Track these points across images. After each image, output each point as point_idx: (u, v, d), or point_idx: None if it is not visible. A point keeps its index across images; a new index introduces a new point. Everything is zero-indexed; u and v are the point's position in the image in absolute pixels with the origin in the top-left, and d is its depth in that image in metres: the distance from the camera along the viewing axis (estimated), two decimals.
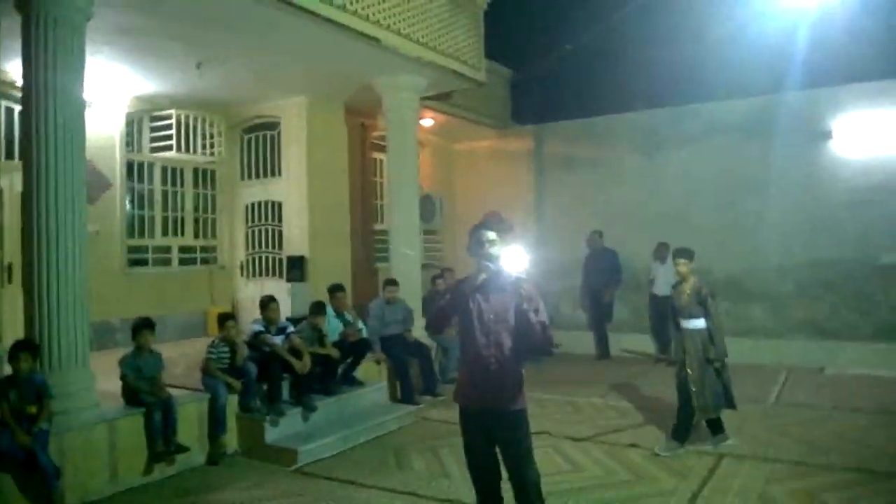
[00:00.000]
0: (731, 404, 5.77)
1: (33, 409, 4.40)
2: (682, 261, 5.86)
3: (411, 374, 7.48)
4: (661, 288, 9.67)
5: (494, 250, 3.34)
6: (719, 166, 9.84)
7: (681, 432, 5.63)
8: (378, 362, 7.39)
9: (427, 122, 10.61)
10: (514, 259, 3.30)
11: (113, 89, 7.85)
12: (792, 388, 7.93)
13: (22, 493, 4.36)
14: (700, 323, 5.69)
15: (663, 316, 9.68)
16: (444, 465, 5.41)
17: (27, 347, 4.52)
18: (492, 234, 3.39)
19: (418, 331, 7.98)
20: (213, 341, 5.85)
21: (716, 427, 5.74)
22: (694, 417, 5.61)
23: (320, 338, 6.50)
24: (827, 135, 9.31)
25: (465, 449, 3.47)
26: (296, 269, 8.65)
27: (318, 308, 6.66)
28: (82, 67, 5.04)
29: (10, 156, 7.09)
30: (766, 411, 6.91)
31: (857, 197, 8.97)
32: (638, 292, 10.19)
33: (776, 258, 9.60)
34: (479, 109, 10.93)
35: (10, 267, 7.03)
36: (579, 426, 6.46)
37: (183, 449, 5.24)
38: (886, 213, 8.81)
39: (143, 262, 8.69)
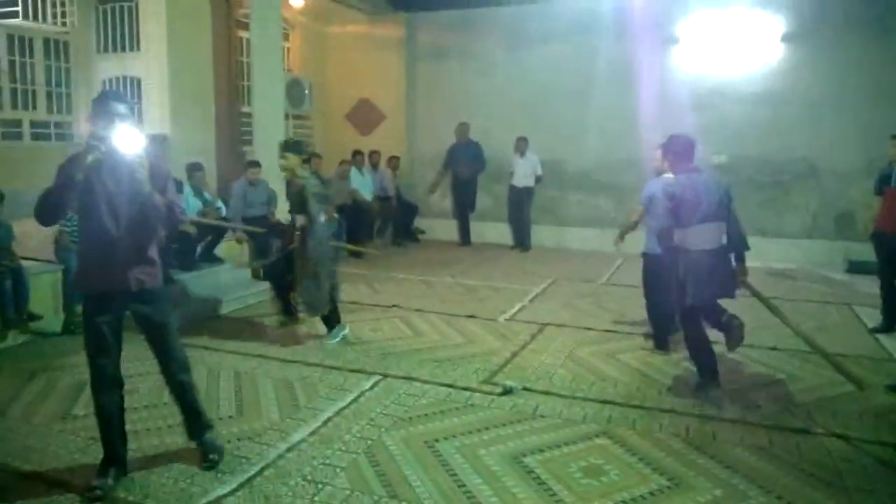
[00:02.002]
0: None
1: None
2: (288, 154, 5.48)
3: (274, 253, 7.81)
4: (520, 180, 10.37)
5: (105, 130, 3.08)
6: (578, 64, 10.33)
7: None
8: (239, 242, 7.64)
9: (297, 1, 10.39)
10: (127, 139, 3.08)
11: None
12: (622, 271, 8.91)
13: None
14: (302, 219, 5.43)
15: (520, 206, 10.48)
16: (296, 334, 5.91)
17: None
18: (122, 108, 3.15)
19: (282, 213, 8.26)
20: (69, 216, 5.88)
21: (329, 321, 5.63)
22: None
23: None
24: (674, 39, 10.01)
25: (93, 338, 3.23)
26: (156, 146, 8.52)
27: None
28: None
29: None
30: (594, 290, 7.84)
31: (697, 100, 9.77)
32: (499, 183, 10.81)
33: (623, 152, 10.38)
34: None
35: None
36: (428, 300, 7.12)
37: (36, 317, 5.42)
38: (719, 116, 9.70)
39: (16, 137, 8.30)
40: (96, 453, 3.61)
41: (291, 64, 11.22)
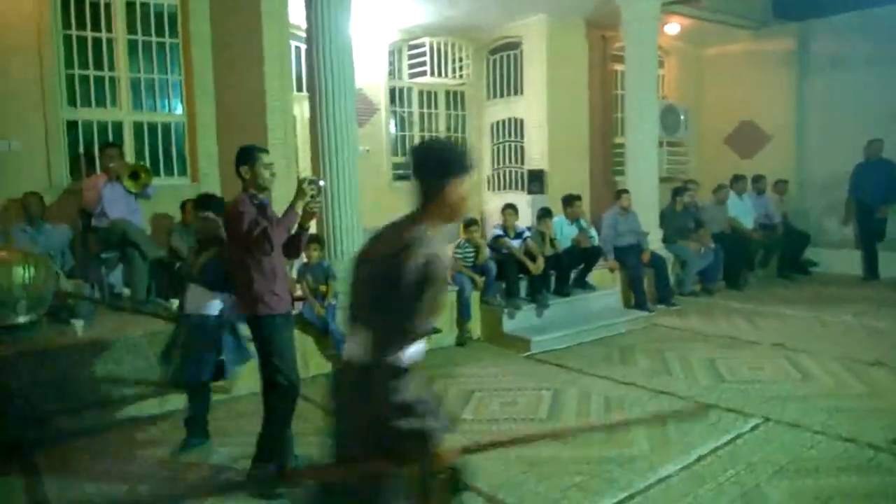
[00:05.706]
0: None
1: (323, 288, 5.61)
2: None
3: (645, 283, 7.71)
4: None
5: (271, 177, 3.57)
6: None
7: None
8: (611, 270, 7.71)
9: (673, 28, 10.20)
10: None
11: (377, 24, 8.86)
12: None
13: (320, 351, 5.66)
14: None
15: None
16: (667, 364, 5.71)
17: (316, 240, 5.69)
18: (269, 158, 3.59)
19: (654, 242, 8.12)
20: (459, 242, 6.69)
21: None
22: None
23: (544, 241, 7.01)
24: None
25: (288, 350, 3.61)
26: (535, 182, 9.17)
27: (543, 213, 7.20)
28: (349, 7, 5.92)
29: (299, 88, 8.43)
30: None
31: None
32: None
33: None
34: (732, 9, 10.18)
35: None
36: (820, 341, 6.23)
37: (436, 331, 6.23)
38: None
39: (406, 178, 9.86)
40: (476, 457, 3.94)
41: (666, 91, 11.07)
